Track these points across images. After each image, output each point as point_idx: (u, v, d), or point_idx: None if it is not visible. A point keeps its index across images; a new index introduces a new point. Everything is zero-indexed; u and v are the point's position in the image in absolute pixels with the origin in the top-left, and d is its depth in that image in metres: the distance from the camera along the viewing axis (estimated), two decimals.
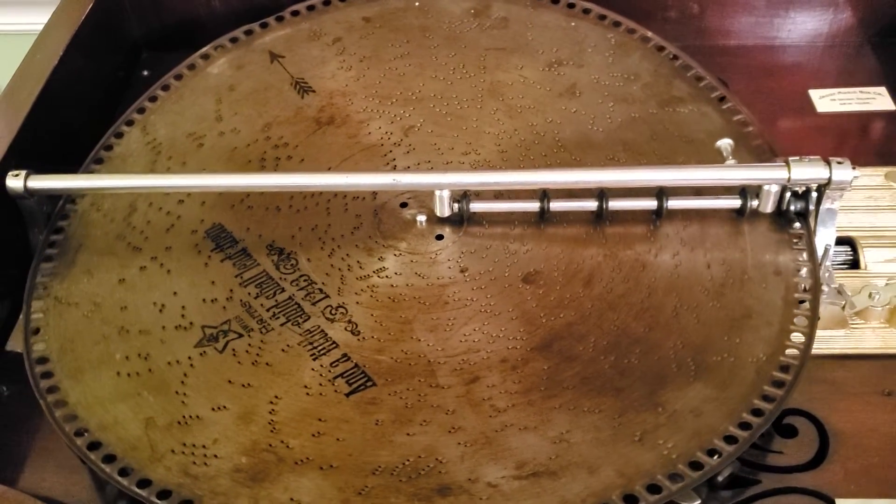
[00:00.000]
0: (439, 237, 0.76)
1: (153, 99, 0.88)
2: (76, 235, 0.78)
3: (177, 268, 0.76)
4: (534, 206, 0.76)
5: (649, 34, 0.88)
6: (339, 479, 0.62)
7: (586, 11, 0.91)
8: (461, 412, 0.66)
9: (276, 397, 0.67)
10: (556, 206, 0.76)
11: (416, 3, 0.93)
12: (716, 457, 0.63)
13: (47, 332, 0.72)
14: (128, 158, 0.84)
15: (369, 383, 0.68)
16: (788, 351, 0.67)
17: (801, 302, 0.70)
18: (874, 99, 0.93)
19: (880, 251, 0.78)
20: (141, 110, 0.88)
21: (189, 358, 0.70)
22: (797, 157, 0.73)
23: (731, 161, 0.77)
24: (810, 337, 0.68)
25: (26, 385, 0.68)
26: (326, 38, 0.91)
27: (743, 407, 0.65)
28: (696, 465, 0.62)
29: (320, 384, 0.68)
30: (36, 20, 0.98)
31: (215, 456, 0.64)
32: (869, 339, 0.73)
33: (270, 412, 0.66)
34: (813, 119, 0.92)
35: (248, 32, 0.93)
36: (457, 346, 0.69)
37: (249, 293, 0.74)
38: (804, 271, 0.72)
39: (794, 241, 0.74)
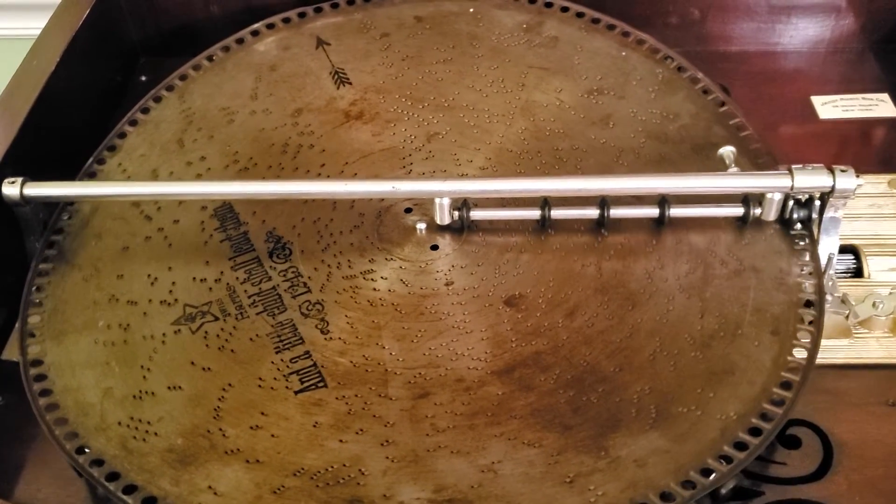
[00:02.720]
0: (434, 247, 0.75)
1: (197, 68, 0.90)
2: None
3: (178, 242, 0.77)
4: (535, 213, 0.74)
5: (699, 75, 0.84)
6: (259, 475, 0.62)
7: (640, 42, 0.87)
8: (400, 426, 0.64)
9: (230, 385, 0.67)
10: (557, 213, 0.74)
11: (471, 10, 0.91)
12: None
13: (48, 289, 0.74)
14: (161, 124, 0.86)
15: (321, 384, 0.67)
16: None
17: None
18: (877, 106, 0.91)
19: (884, 260, 0.77)
20: (183, 77, 0.89)
21: (163, 334, 0.71)
22: (800, 165, 0.70)
23: (733, 169, 0.75)
24: (814, 347, 0.66)
25: (22, 395, 0.68)
26: (375, 32, 0.91)
27: (692, 465, 0.62)
28: None
29: (274, 378, 0.68)
30: (33, 25, 0.98)
31: (155, 434, 0.65)
32: (873, 348, 0.72)
33: (220, 399, 0.67)
34: (815, 126, 0.91)
35: (302, 15, 0.93)
36: (418, 359, 0.68)
37: (238, 278, 0.74)
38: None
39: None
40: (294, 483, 0.62)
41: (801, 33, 0.99)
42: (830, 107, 0.92)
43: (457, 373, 0.67)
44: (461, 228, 0.75)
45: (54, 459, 0.68)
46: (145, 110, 0.86)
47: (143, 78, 1.02)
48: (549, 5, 0.91)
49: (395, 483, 0.61)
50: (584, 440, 0.63)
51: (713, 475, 0.61)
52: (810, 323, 0.68)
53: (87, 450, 0.64)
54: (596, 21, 0.89)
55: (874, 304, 0.73)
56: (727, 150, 0.76)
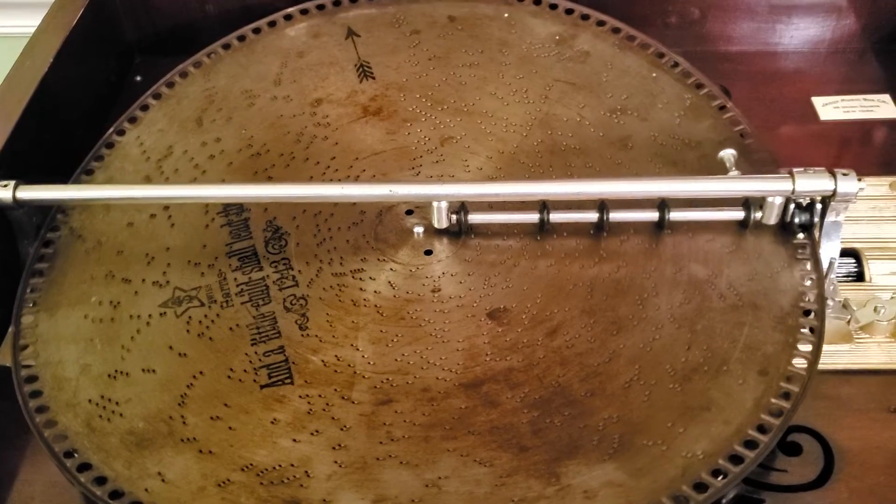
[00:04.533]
0: (428, 252, 0.74)
1: (226, 47, 0.90)
2: (112, 167, 0.82)
3: (180, 223, 0.77)
4: (533, 217, 0.73)
5: (728, 104, 0.81)
6: (208, 466, 0.63)
7: (674, 65, 0.84)
8: (355, 431, 0.64)
9: (201, 372, 0.68)
10: (556, 217, 0.73)
11: (506, 15, 0.89)
12: None
13: (51, 258, 0.75)
14: (183, 100, 0.86)
15: (287, 380, 0.67)
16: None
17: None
18: (878, 107, 0.90)
19: (885, 263, 0.76)
20: (211, 55, 0.90)
21: (149, 316, 0.72)
22: (802, 169, 0.69)
23: (734, 172, 0.73)
24: (816, 353, 0.65)
25: (14, 402, 0.67)
26: (406, 28, 0.90)
27: (644, 503, 0.60)
28: None
29: (244, 370, 0.68)
30: (27, 23, 0.97)
31: (121, 415, 0.66)
32: (874, 353, 0.71)
33: (188, 386, 0.67)
34: (816, 127, 0.90)
35: (337, 3, 0.93)
36: (388, 364, 0.67)
37: (231, 265, 0.74)
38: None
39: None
40: (239, 478, 0.62)
41: (802, 33, 0.97)
42: (831, 108, 0.91)
43: (424, 382, 0.66)
44: (459, 232, 0.74)
45: (48, 467, 0.67)
46: (170, 84, 0.87)
47: (139, 78, 1.02)
48: (585, 17, 0.89)
49: (337, 489, 0.61)
50: (538, 464, 0.62)
51: None
52: (804, 368, 0.65)
53: (55, 424, 0.65)
54: (631, 38, 0.87)
55: (875, 309, 0.72)
56: (728, 154, 0.74)
